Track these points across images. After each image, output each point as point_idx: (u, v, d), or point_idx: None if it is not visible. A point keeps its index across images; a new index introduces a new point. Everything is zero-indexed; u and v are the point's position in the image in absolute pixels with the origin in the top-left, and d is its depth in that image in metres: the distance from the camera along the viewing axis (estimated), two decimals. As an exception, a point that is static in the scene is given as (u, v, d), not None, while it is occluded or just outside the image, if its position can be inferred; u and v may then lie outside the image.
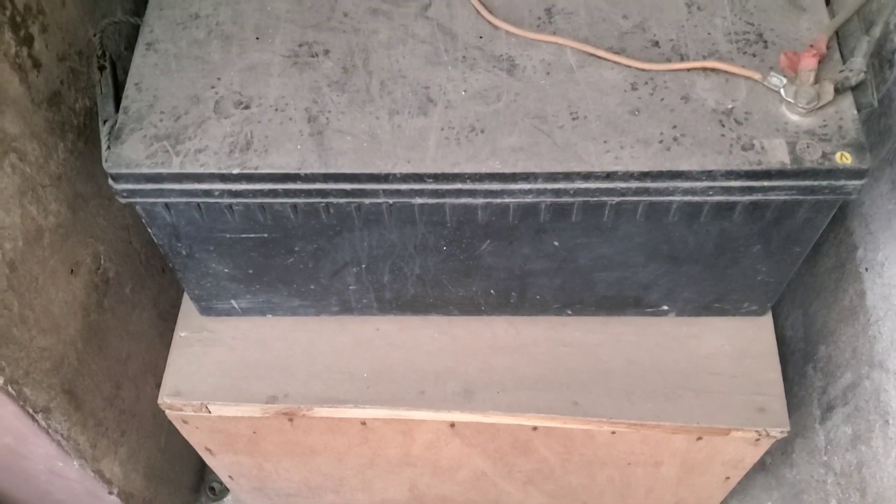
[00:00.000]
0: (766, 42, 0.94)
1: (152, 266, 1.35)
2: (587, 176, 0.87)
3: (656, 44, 0.95)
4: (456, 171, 0.88)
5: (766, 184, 0.87)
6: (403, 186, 0.89)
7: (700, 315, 1.14)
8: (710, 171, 0.86)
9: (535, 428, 1.13)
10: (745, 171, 0.86)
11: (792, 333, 1.56)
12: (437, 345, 1.17)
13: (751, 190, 0.88)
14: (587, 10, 0.98)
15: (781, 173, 0.86)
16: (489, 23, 0.97)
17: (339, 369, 1.15)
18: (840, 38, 0.96)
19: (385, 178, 0.88)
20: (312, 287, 1.09)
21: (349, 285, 1.09)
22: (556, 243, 0.98)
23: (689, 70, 0.92)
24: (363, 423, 1.16)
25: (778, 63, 0.92)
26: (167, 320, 1.41)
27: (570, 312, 1.14)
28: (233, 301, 1.13)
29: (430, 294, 1.10)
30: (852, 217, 1.31)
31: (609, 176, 0.87)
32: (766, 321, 1.15)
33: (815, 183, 0.87)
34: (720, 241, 0.97)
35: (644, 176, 0.87)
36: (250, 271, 1.05)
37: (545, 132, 0.89)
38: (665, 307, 1.12)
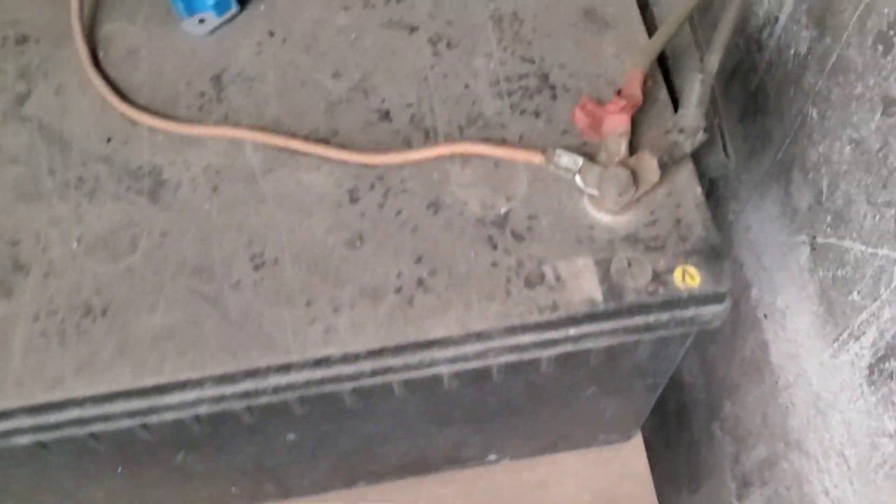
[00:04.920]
0: (553, 87, 0.60)
1: None
2: (284, 368, 0.52)
3: (386, 115, 0.60)
4: (56, 398, 0.52)
5: (571, 332, 0.54)
6: (-13, 425, 0.53)
7: (544, 454, 0.81)
8: (478, 333, 0.52)
9: None
10: (534, 324, 0.53)
11: (691, 380, 1.27)
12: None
13: (552, 343, 0.54)
14: (278, 71, 0.62)
15: (591, 317, 0.53)
16: (122, 115, 0.60)
17: None
18: (670, 62, 0.63)
19: (-58, 422, 0.52)
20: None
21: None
22: (290, 437, 0.64)
23: (435, 158, 0.57)
24: None
25: (572, 120, 0.58)
26: None
27: (363, 484, 0.80)
28: None
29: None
30: (739, 244, 1.01)
31: (320, 363, 0.52)
32: (635, 447, 0.83)
33: (649, 319, 0.54)
34: (535, 393, 0.64)
35: (375, 354, 0.53)
36: None
37: (210, 299, 0.54)
38: (492, 456, 0.79)
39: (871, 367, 0.75)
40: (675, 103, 0.60)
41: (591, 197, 0.55)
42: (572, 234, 0.55)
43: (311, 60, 0.62)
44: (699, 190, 0.56)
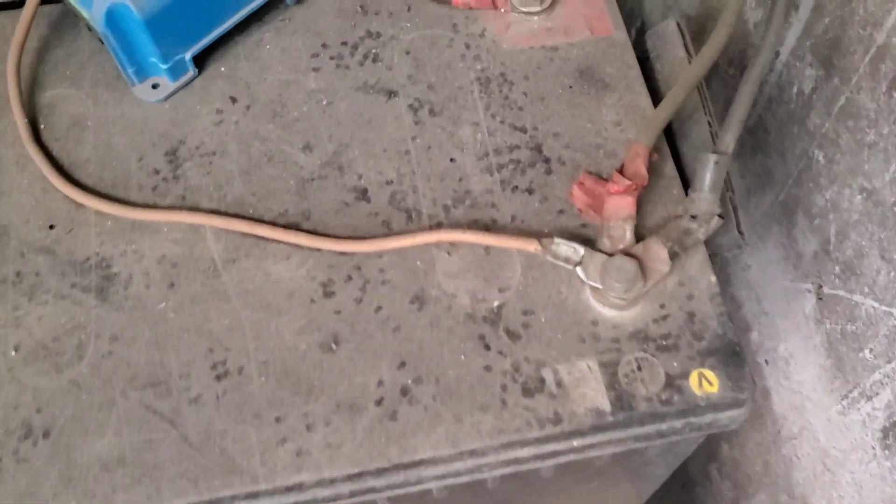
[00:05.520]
0: (547, 160, 0.54)
1: None
2: (252, 496, 0.46)
3: (364, 193, 0.54)
4: (-10, 540, 0.45)
5: (575, 444, 0.48)
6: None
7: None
8: (471, 451, 0.47)
9: None
10: (535, 439, 0.47)
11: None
12: None
13: (553, 455, 0.48)
14: (241, 144, 0.56)
15: (598, 428, 0.47)
16: (66, 197, 0.54)
17: None
18: (675, 125, 0.57)
19: None
20: None
21: None
22: (262, 546, 0.57)
23: (418, 245, 0.51)
24: None
25: (569, 199, 0.53)
26: None
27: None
28: None
29: None
30: (737, 284, 0.96)
31: (291, 489, 0.46)
32: (638, 520, 0.78)
33: (662, 427, 0.48)
34: (533, 492, 0.58)
35: (354, 477, 0.46)
36: None
37: (166, 417, 0.47)
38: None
39: (885, 431, 0.70)
40: (682, 174, 0.55)
41: (595, 289, 0.49)
42: (574, 331, 0.49)
43: (278, 131, 0.56)
44: (713, 278, 0.50)
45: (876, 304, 0.68)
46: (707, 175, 0.47)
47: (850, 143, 0.66)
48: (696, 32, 0.94)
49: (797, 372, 0.85)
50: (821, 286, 0.76)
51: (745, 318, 0.95)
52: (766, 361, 0.92)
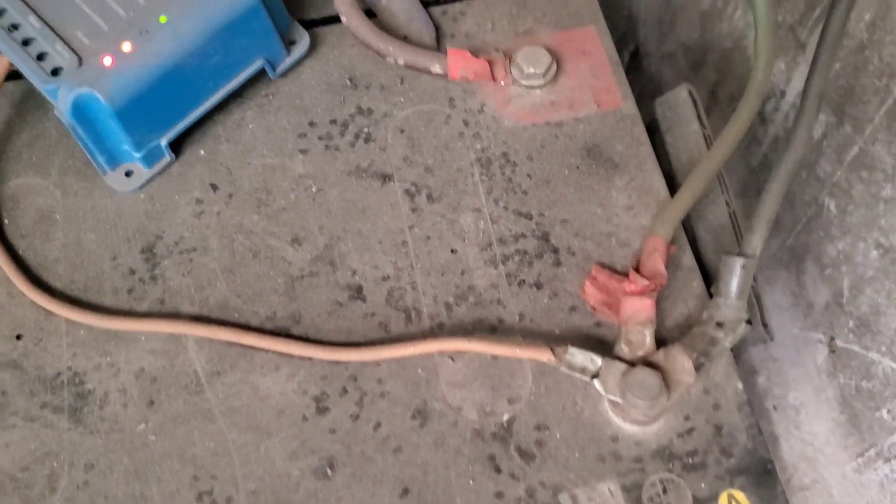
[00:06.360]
0: (555, 250, 0.50)
1: None
2: None
3: (358, 292, 0.49)
4: None
5: (598, 573, 0.44)
6: None
7: None
8: (484, 590, 0.42)
9: None
10: (553, 575, 0.43)
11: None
12: None
13: (573, 584, 0.45)
14: (224, 238, 0.51)
15: (623, 560, 0.43)
16: (34, 303, 0.49)
17: None
18: (690, 210, 0.53)
19: None
20: None
21: None
22: None
23: (418, 355, 0.47)
24: None
25: (581, 297, 0.48)
26: None
27: None
28: None
29: None
30: None
31: None
32: None
33: (690, 552, 0.44)
34: None
35: None
36: None
37: (147, 558, 0.43)
38: None
39: (907, 496, 0.67)
40: (699, 258, 0.51)
41: (614, 402, 0.45)
42: (592, 449, 0.45)
43: (263, 222, 0.51)
44: (740, 385, 0.46)
45: (895, 365, 0.64)
46: (733, 280, 0.43)
47: (865, 195, 0.63)
48: (696, 63, 0.90)
49: (808, 422, 0.81)
50: (833, 338, 0.72)
51: (752, 362, 0.92)
52: (775, 407, 0.89)
